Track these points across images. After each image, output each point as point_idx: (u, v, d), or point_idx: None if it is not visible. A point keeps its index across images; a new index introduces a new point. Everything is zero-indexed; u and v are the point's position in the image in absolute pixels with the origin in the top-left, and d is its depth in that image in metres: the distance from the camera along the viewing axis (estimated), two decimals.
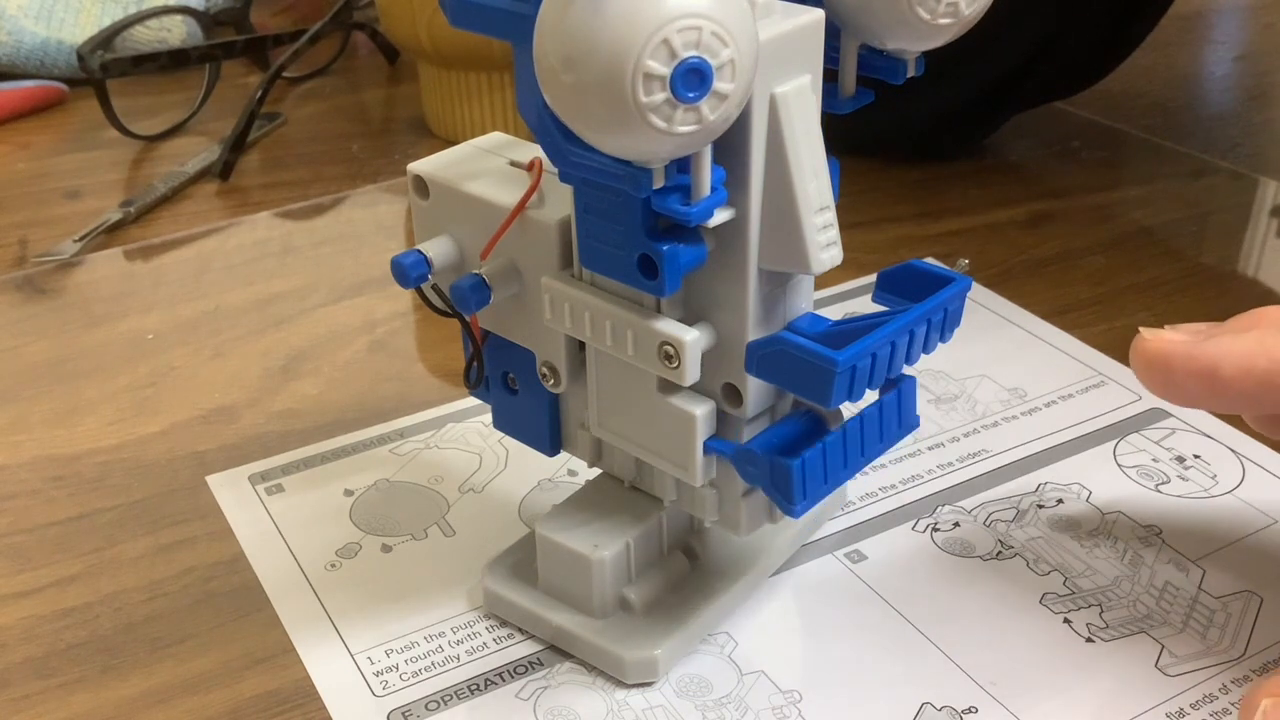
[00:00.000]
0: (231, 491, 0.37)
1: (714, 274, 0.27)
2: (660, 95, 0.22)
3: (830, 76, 0.28)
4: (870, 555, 0.34)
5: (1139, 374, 0.31)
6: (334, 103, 0.67)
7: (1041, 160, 0.58)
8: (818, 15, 0.26)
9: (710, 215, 0.25)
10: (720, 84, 0.22)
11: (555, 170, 0.26)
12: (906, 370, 0.28)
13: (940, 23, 0.26)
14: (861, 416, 0.28)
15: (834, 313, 0.38)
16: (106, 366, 0.44)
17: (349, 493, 0.37)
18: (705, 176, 0.24)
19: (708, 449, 0.28)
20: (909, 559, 0.34)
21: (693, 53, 0.21)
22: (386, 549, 0.35)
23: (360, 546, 0.35)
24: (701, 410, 0.28)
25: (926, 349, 0.28)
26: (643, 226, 0.25)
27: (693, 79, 0.22)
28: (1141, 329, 0.31)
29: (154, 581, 0.34)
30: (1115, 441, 0.38)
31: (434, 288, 0.30)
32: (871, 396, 0.28)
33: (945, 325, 0.28)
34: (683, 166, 0.24)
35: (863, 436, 0.28)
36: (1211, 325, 0.31)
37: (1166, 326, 0.31)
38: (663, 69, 0.21)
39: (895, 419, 0.29)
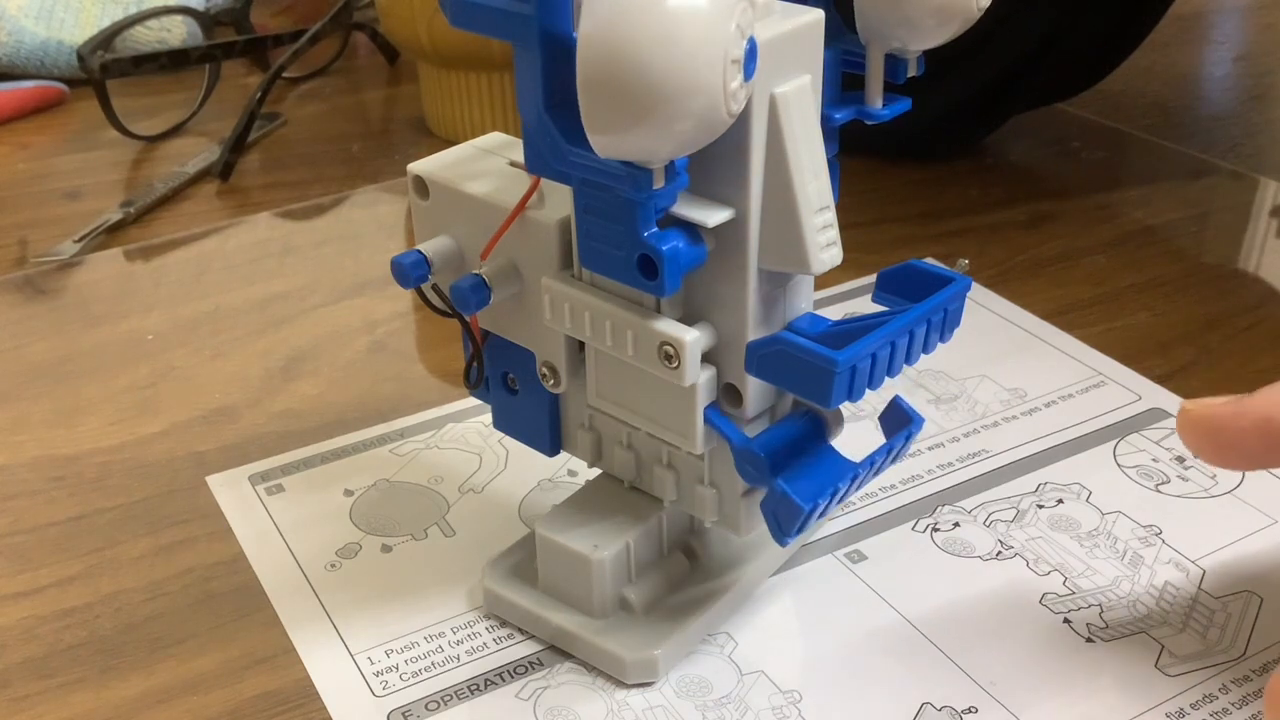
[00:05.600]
0: (231, 491, 0.37)
1: (714, 274, 0.27)
2: (738, 79, 0.22)
3: (852, 83, 0.28)
4: (870, 555, 0.34)
5: (1190, 444, 0.30)
6: (334, 103, 0.67)
7: (1041, 160, 0.58)
8: (818, 15, 0.26)
9: (674, 198, 0.25)
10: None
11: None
12: (907, 367, 0.28)
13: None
14: (873, 459, 0.28)
15: (834, 313, 0.38)
16: (106, 366, 0.44)
17: (349, 493, 0.37)
18: None
19: (707, 418, 0.28)
20: (909, 559, 0.34)
21: (749, 31, 0.22)
22: (386, 549, 0.35)
23: (360, 546, 0.35)
24: (702, 377, 0.28)
25: (926, 349, 0.28)
26: (642, 226, 0.25)
27: (752, 57, 0.22)
28: (1184, 401, 0.30)
29: (154, 581, 0.34)
30: (1115, 441, 0.38)
31: (434, 288, 0.30)
32: (872, 398, 0.28)
33: (945, 325, 0.28)
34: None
35: (867, 475, 0.28)
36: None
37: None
38: (740, 52, 0.22)
39: (896, 455, 0.29)
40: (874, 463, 0.28)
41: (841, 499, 0.28)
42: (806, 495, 0.27)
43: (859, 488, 0.29)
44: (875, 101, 0.28)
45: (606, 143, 0.23)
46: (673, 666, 0.31)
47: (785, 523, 0.27)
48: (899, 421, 0.29)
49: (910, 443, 0.29)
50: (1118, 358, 0.42)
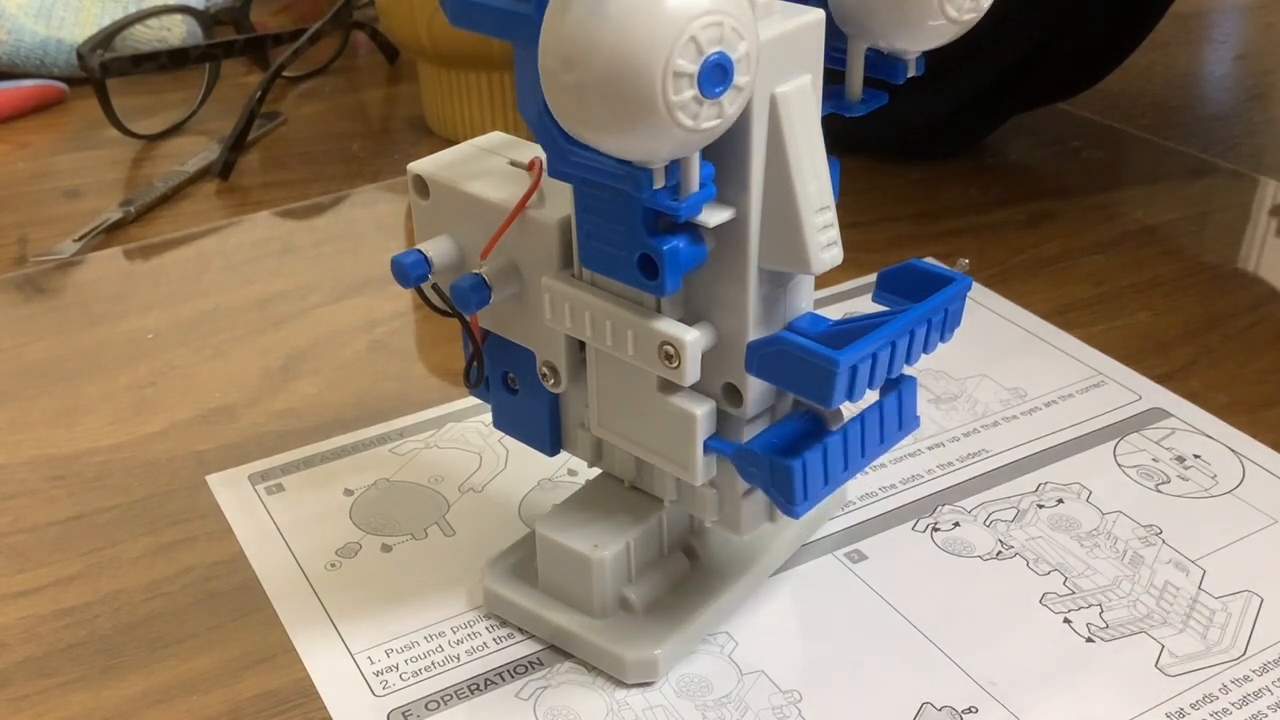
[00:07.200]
0: (231, 491, 0.37)
1: (714, 274, 0.27)
2: (688, 93, 0.22)
3: (837, 78, 0.28)
4: (870, 555, 0.34)
5: None
6: (334, 102, 0.67)
7: (1041, 160, 0.58)
8: (818, 15, 0.26)
9: (699, 210, 0.25)
10: (740, 77, 0.22)
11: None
12: (907, 370, 0.28)
13: (965, 18, 0.26)
14: (862, 417, 0.28)
15: (834, 313, 0.38)
16: (106, 366, 0.44)
17: (349, 492, 0.37)
18: (694, 173, 0.24)
19: (708, 448, 0.28)
20: (909, 559, 0.34)
21: (716, 48, 0.22)
22: (386, 549, 0.35)
23: (360, 546, 0.35)
24: (702, 410, 0.28)
25: (926, 349, 0.28)
26: (643, 226, 0.25)
27: (717, 74, 0.22)
28: None
29: (154, 581, 0.34)
30: (1115, 441, 0.38)
31: (434, 287, 0.30)
32: (872, 397, 0.28)
33: (945, 325, 0.28)
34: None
35: (863, 437, 0.28)
36: None
37: None
38: (691, 66, 0.21)
39: (896, 420, 0.29)
40: (863, 421, 0.27)
41: (848, 467, 0.27)
42: (793, 453, 0.26)
43: (866, 458, 0.28)
44: (855, 96, 0.28)
45: (575, 134, 0.23)
46: (673, 666, 0.31)
47: (784, 489, 0.27)
48: (889, 384, 0.28)
49: (910, 405, 0.28)
50: (1118, 357, 0.42)
